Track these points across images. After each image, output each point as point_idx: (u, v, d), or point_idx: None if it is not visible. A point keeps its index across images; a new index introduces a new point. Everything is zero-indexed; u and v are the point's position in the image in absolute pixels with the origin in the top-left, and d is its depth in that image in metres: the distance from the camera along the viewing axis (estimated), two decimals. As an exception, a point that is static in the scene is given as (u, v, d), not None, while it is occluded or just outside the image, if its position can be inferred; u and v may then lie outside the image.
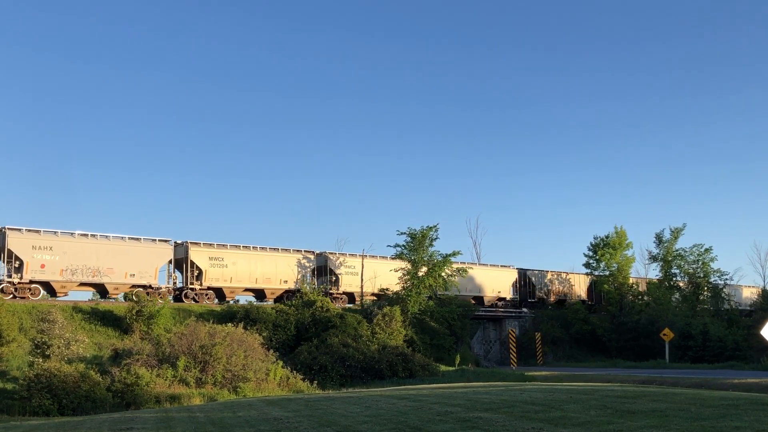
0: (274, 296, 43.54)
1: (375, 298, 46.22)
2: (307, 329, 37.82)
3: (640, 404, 12.09)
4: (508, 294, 54.96)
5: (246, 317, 36.06)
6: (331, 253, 45.86)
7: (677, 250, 57.20)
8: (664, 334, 43.76)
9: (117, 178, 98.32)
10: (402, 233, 45.81)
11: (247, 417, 14.09)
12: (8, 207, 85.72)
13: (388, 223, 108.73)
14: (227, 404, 18.79)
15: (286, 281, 43.22)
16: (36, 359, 26.37)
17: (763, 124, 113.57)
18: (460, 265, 47.83)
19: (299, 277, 43.72)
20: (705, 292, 57.20)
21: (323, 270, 45.53)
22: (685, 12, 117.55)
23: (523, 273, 56.37)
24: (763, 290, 65.73)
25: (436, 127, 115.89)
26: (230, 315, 36.84)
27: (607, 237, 54.95)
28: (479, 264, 54.88)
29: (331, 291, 44.82)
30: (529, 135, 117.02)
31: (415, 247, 45.35)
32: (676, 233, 57.22)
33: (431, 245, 45.75)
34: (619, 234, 54.84)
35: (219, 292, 41.20)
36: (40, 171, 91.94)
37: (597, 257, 54.95)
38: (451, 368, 39.26)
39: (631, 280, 56.34)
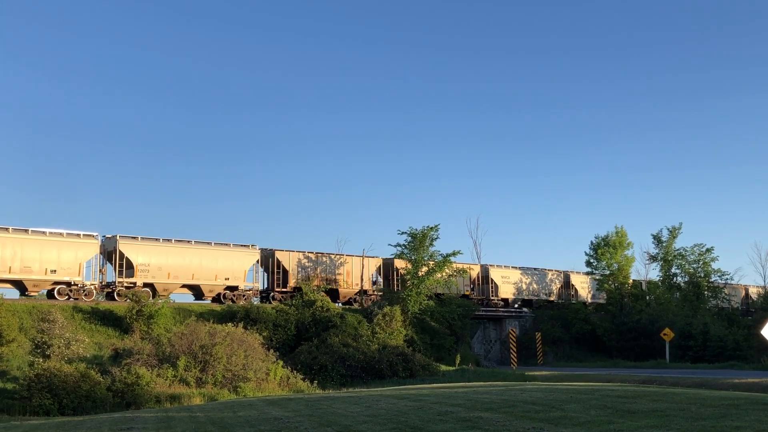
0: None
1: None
2: (307, 329, 37.81)
3: (640, 404, 12.08)
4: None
5: (246, 317, 36.05)
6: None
7: (678, 250, 57.24)
8: (665, 334, 43.74)
9: (116, 177, 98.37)
10: (403, 233, 45.91)
11: (247, 417, 14.10)
12: (8, 207, 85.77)
13: (388, 223, 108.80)
14: (227, 404, 18.81)
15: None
16: (36, 359, 26.37)
17: (764, 125, 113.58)
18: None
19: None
20: (706, 292, 57.18)
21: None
22: (685, 14, 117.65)
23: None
24: (765, 290, 65.70)
25: (436, 127, 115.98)
26: (230, 315, 36.83)
27: (607, 237, 54.96)
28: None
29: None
30: (529, 135, 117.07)
31: (416, 246, 45.35)
32: (674, 233, 57.29)
33: (432, 245, 45.77)
34: (619, 234, 54.79)
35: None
36: (40, 171, 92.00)
37: (597, 257, 54.98)
38: (451, 368, 39.23)
39: (631, 280, 56.39)
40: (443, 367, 38.44)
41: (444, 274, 45.82)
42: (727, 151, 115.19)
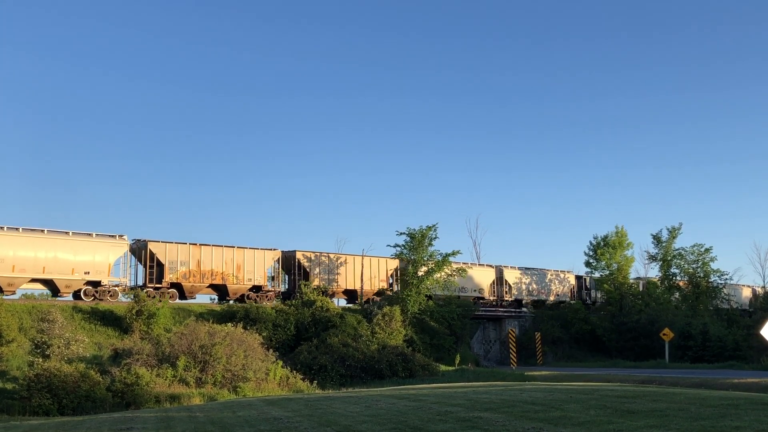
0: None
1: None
2: (306, 329, 37.85)
3: (640, 404, 12.09)
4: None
5: (246, 317, 36.09)
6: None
7: (677, 250, 57.30)
8: (664, 334, 43.76)
9: (117, 177, 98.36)
10: (401, 233, 45.90)
11: (247, 417, 14.10)
12: (7, 207, 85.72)
13: (388, 223, 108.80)
14: (227, 404, 18.80)
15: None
16: (36, 359, 26.38)
17: (763, 124, 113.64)
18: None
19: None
20: (705, 292, 57.21)
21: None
22: (685, 9, 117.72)
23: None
24: (764, 290, 65.71)
25: (436, 126, 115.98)
26: (230, 314, 36.87)
27: (606, 237, 54.98)
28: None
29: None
30: (529, 134, 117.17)
31: (415, 246, 45.37)
32: (673, 233, 57.38)
33: (431, 245, 45.79)
34: (619, 234, 54.83)
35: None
36: (40, 170, 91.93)
37: (597, 257, 54.99)
38: (450, 368, 39.28)
39: (630, 280, 56.39)
40: (443, 367, 38.47)
41: (443, 273, 45.86)
42: (727, 150, 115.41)
